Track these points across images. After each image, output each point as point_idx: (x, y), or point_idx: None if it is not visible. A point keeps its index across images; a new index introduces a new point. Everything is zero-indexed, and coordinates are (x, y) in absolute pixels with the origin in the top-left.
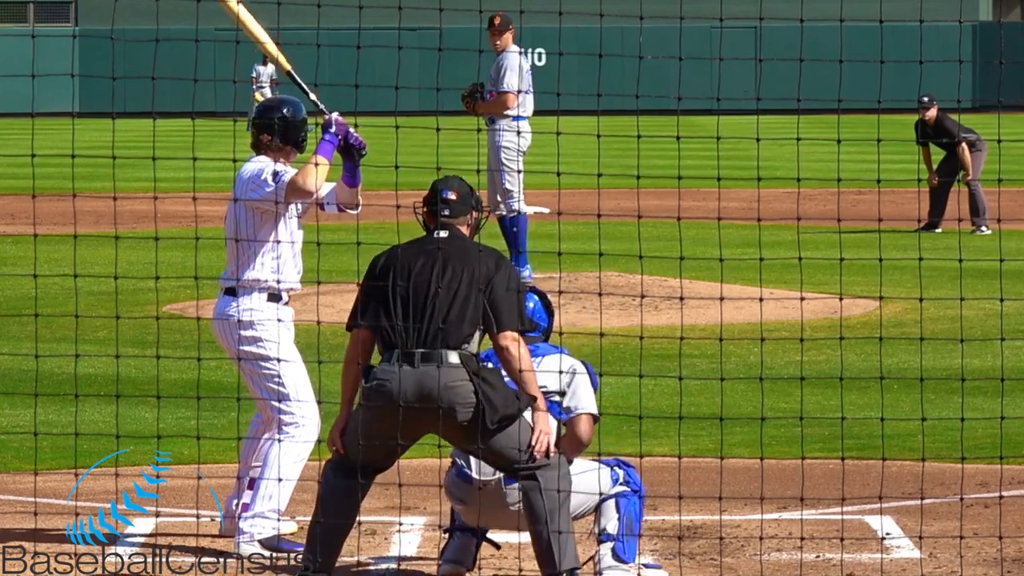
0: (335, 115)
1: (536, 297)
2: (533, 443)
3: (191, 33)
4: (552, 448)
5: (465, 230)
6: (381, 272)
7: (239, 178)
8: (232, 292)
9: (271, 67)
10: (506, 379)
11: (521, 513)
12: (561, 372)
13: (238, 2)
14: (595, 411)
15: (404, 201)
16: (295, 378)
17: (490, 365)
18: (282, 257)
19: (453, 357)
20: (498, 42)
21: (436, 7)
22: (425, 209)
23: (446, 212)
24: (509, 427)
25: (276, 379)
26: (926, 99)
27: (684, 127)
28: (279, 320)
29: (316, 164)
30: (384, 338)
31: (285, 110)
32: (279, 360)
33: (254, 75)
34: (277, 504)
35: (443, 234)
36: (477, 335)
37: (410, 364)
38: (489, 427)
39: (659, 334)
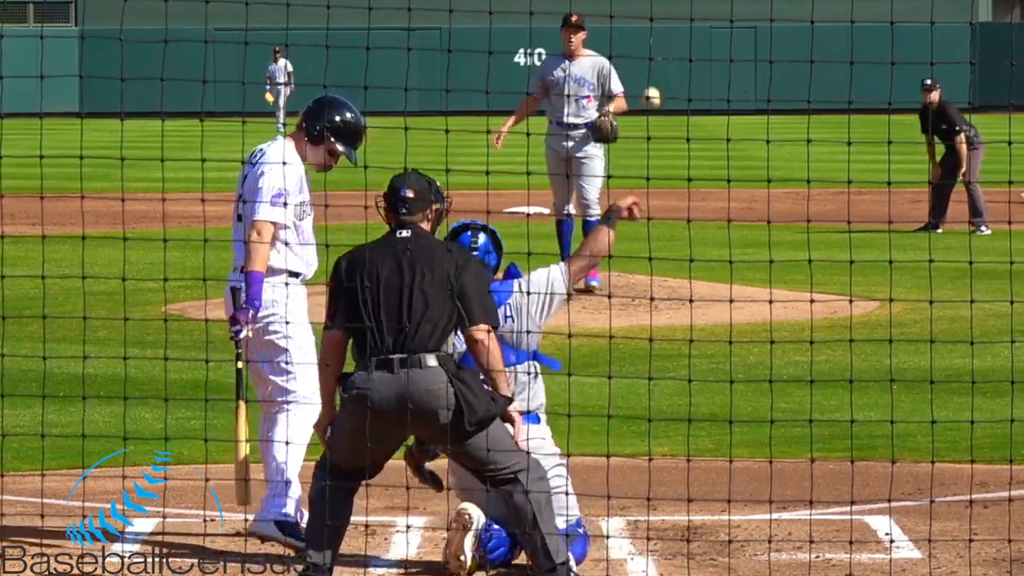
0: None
1: (486, 235)
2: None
3: (190, 33)
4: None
5: (426, 225)
6: (349, 274)
7: (260, 160)
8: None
9: (282, 62)
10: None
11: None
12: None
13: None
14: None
15: None
16: (303, 353)
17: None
18: (289, 245)
19: (431, 360)
20: (575, 39)
21: (438, 8)
22: (385, 205)
23: (404, 210)
24: (485, 429)
25: (285, 355)
26: (929, 81)
27: (682, 128)
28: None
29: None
30: (359, 343)
31: (348, 115)
32: (288, 337)
33: (268, 75)
34: (289, 474)
35: (406, 233)
36: (452, 335)
37: (388, 370)
38: (467, 429)
39: (658, 335)
